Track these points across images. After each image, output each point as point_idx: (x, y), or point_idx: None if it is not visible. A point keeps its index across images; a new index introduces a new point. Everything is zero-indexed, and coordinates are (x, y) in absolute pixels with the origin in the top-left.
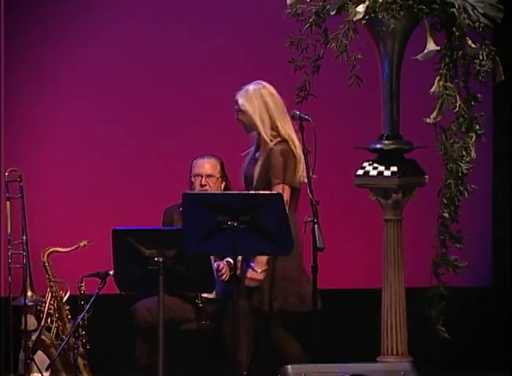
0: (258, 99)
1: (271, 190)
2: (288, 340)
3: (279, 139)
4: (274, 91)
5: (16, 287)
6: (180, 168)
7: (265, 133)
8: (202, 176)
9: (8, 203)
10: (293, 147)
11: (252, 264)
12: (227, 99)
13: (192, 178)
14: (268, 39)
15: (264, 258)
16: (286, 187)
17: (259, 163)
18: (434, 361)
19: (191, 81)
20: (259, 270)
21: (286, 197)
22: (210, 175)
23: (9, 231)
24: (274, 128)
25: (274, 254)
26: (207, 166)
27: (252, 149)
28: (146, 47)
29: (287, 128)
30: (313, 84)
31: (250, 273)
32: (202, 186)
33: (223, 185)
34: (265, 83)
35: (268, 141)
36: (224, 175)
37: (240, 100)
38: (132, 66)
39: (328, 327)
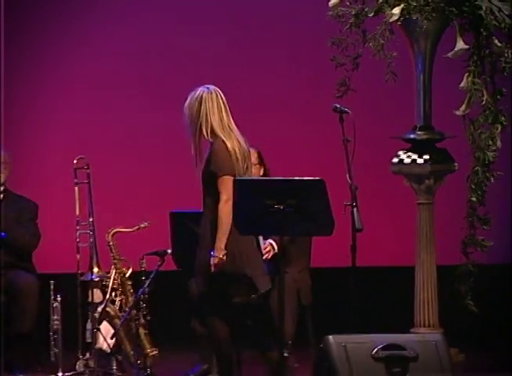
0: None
1: (216, 184)
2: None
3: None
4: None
5: (84, 264)
6: None
7: (206, 132)
8: None
9: (76, 188)
10: (228, 144)
11: (212, 252)
12: (269, 97)
13: None
14: (309, 39)
15: (222, 244)
16: (229, 178)
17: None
18: (463, 332)
19: (231, 80)
20: (220, 255)
21: (229, 187)
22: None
23: (77, 213)
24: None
25: (317, 235)
26: None
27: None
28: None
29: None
30: (352, 79)
31: (213, 260)
32: None
33: (261, 172)
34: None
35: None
36: (262, 163)
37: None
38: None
39: (365, 301)
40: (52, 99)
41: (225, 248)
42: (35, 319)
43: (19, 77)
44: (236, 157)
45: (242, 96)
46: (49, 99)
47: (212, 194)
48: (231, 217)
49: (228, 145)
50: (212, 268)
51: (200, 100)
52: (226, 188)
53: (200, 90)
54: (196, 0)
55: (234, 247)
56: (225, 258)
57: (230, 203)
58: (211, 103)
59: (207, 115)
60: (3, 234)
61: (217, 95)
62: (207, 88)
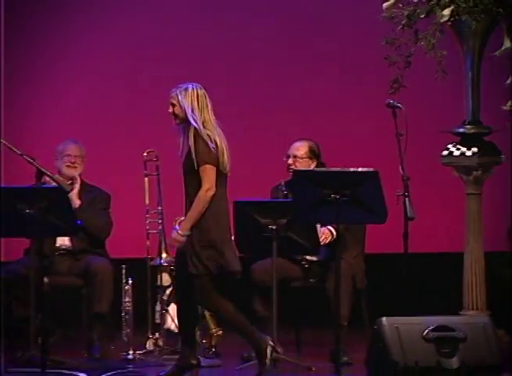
0: (195, 97)
1: (198, 172)
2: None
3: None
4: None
5: (153, 249)
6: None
7: (198, 125)
8: (290, 156)
9: (146, 179)
10: (217, 138)
11: (177, 227)
12: (330, 94)
13: (284, 158)
14: (363, 39)
15: (188, 225)
16: (212, 167)
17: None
18: (509, 315)
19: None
20: (182, 233)
21: (212, 177)
22: (296, 156)
23: (147, 203)
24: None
25: (371, 223)
26: (296, 147)
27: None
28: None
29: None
30: (405, 77)
31: (174, 235)
32: (289, 165)
33: (313, 165)
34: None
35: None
36: (313, 157)
37: (180, 96)
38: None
39: (416, 285)
40: (128, 95)
41: (205, 236)
42: (110, 300)
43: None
44: (222, 151)
45: (304, 93)
46: (126, 94)
47: (194, 183)
48: (206, 205)
49: (217, 139)
50: (168, 240)
51: (197, 96)
52: (208, 177)
53: (193, 86)
54: None
55: (213, 235)
56: (184, 239)
57: (210, 193)
58: (205, 99)
59: (202, 110)
60: (79, 222)
61: (205, 93)
62: (197, 85)
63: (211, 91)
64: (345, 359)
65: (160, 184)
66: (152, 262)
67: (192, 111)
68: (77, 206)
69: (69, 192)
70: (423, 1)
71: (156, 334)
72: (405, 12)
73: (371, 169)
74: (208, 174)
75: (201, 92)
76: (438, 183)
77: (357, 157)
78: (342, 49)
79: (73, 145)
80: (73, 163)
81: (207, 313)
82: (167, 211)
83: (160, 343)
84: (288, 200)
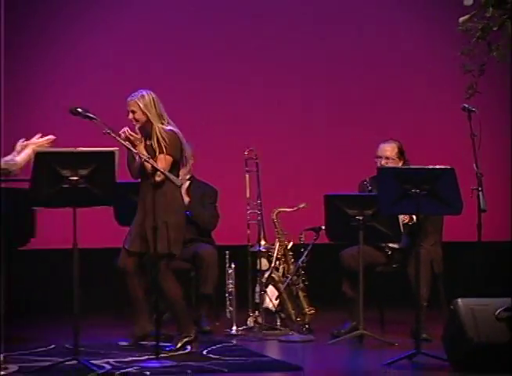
0: (152, 101)
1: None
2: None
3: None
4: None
5: (253, 237)
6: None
7: (162, 124)
8: (382, 158)
9: (247, 175)
10: (180, 134)
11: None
12: (415, 99)
13: (376, 159)
14: (442, 50)
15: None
16: (168, 157)
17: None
18: None
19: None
20: (139, 136)
21: (167, 164)
22: (388, 157)
23: (247, 196)
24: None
25: (447, 214)
26: (386, 149)
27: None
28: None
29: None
30: (479, 83)
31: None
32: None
33: (401, 163)
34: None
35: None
36: (402, 157)
37: (140, 103)
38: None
39: (489, 270)
40: (223, 94)
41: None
42: (215, 282)
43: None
44: (183, 146)
45: (387, 96)
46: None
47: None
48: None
49: (180, 135)
50: (123, 133)
51: (155, 100)
52: (166, 164)
53: (147, 92)
54: None
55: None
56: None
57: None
58: (158, 101)
59: (162, 111)
60: (188, 213)
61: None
62: (149, 91)
63: (309, 87)
64: (424, 336)
65: (259, 179)
66: (252, 249)
67: (156, 113)
68: (187, 202)
69: (179, 187)
70: (496, 16)
71: (256, 313)
72: (479, 26)
73: (448, 166)
74: (166, 163)
75: (155, 95)
76: (509, 179)
77: (437, 155)
78: (424, 59)
79: None
80: None
81: (301, 295)
82: (265, 204)
83: (260, 320)
84: (373, 194)
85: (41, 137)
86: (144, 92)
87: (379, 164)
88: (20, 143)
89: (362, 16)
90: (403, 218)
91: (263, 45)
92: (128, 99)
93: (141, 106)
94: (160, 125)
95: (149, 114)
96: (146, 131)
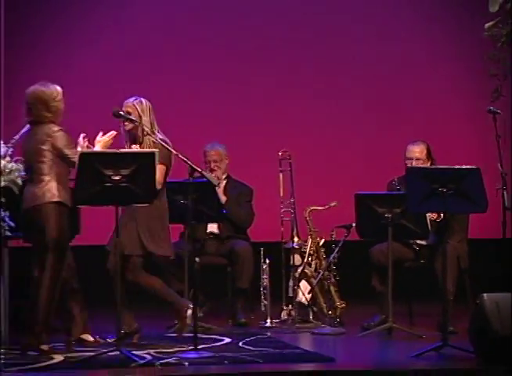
0: (148, 108)
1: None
2: (147, 278)
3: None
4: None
5: (286, 234)
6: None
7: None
8: (412, 159)
9: (281, 175)
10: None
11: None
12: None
13: (406, 161)
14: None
15: None
16: (162, 166)
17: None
18: None
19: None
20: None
21: (161, 173)
22: (418, 158)
23: (281, 195)
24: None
25: (473, 212)
26: (415, 150)
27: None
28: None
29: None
30: (504, 87)
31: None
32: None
33: (429, 163)
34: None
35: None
36: (430, 157)
37: (138, 107)
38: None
39: None
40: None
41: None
42: (250, 277)
43: None
44: (172, 155)
45: (416, 100)
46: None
47: None
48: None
49: (170, 144)
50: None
51: (149, 108)
52: (161, 174)
53: (144, 99)
54: None
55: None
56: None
57: (159, 187)
58: (153, 110)
59: (154, 120)
60: (223, 211)
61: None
62: (145, 99)
63: (342, 90)
64: (451, 328)
65: (292, 179)
66: (285, 245)
67: (150, 121)
68: (224, 201)
69: (216, 185)
70: None
71: (290, 306)
72: (504, 31)
73: (473, 166)
74: (161, 172)
75: (150, 104)
76: None
77: (463, 155)
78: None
79: (211, 151)
80: (213, 166)
81: (332, 289)
82: (298, 202)
83: (293, 313)
84: (402, 192)
85: (104, 135)
86: (142, 99)
87: (409, 166)
88: (83, 140)
89: (387, 17)
90: (431, 216)
91: (295, 52)
92: (127, 100)
93: (138, 109)
94: (152, 135)
95: (143, 118)
96: (133, 135)
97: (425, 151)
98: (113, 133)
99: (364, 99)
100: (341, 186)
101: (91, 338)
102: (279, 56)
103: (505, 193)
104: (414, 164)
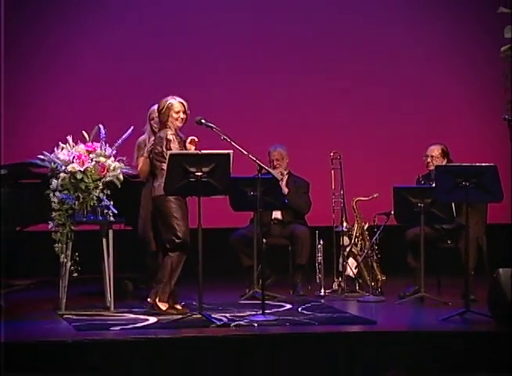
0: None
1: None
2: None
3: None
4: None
5: (337, 220)
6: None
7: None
8: (428, 156)
9: (332, 171)
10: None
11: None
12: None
13: (424, 157)
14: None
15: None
16: None
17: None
18: None
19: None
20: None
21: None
22: (433, 156)
23: (333, 188)
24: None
25: (491, 202)
26: (432, 150)
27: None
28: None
29: None
30: None
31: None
32: (428, 163)
33: (444, 162)
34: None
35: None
36: (445, 156)
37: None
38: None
39: None
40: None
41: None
42: (308, 255)
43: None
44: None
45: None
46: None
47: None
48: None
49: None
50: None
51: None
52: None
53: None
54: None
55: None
56: None
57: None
58: None
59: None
60: (286, 201)
61: None
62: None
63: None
64: (472, 297)
65: (342, 175)
66: (336, 229)
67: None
68: (286, 192)
69: (279, 180)
70: None
71: (340, 279)
72: None
73: (491, 164)
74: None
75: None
76: None
77: (481, 154)
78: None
79: (274, 151)
80: (276, 164)
81: (374, 265)
82: (347, 194)
83: (342, 285)
84: (431, 186)
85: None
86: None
87: (426, 162)
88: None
89: (411, 22)
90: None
91: (347, 61)
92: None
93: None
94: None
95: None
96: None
97: (440, 151)
98: (194, 139)
99: (399, 111)
100: (381, 181)
101: (179, 306)
102: (335, 67)
103: None
104: (429, 160)
